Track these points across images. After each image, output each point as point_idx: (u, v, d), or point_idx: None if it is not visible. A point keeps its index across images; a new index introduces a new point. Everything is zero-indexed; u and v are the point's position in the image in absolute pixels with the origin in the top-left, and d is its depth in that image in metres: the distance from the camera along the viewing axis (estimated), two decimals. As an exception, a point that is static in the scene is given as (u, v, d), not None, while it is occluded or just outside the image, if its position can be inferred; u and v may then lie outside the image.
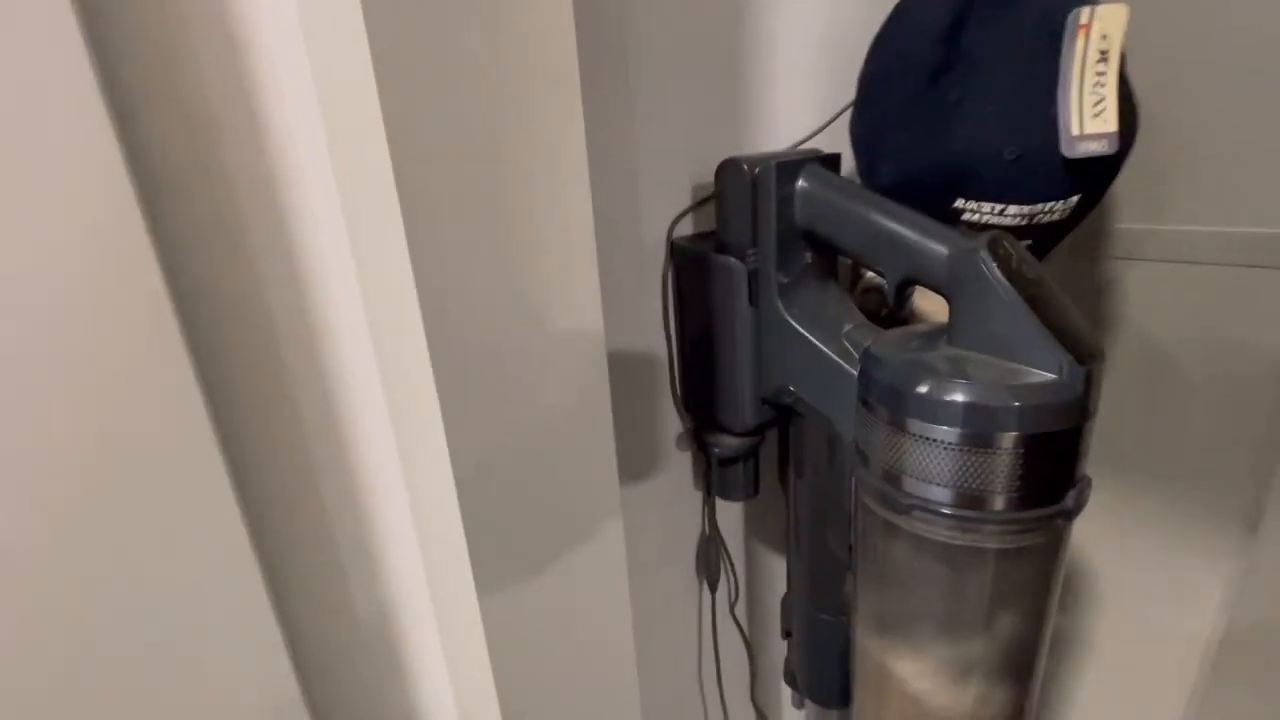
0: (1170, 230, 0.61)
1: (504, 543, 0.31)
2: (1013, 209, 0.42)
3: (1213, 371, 0.65)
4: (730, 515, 0.57)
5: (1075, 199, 0.42)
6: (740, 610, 0.59)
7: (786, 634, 0.53)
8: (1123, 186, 0.63)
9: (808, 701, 0.52)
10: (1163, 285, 0.64)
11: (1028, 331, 0.30)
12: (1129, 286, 0.67)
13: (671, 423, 0.49)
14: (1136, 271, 0.65)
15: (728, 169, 0.40)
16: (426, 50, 0.23)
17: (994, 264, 0.30)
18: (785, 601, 0.52)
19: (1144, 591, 0.80)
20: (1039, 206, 0.42)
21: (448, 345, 0.26)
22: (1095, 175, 0.41)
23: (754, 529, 0.58)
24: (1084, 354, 0.30)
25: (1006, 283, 0.30)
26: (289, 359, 0.30)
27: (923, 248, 0.34)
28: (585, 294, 0.30)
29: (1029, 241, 0.44)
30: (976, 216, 0.43)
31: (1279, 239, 0.55)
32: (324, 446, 0.32)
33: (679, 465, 0.51)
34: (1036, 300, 0.30)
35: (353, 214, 0.26)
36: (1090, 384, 0.30)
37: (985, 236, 0.31)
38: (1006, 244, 0.32)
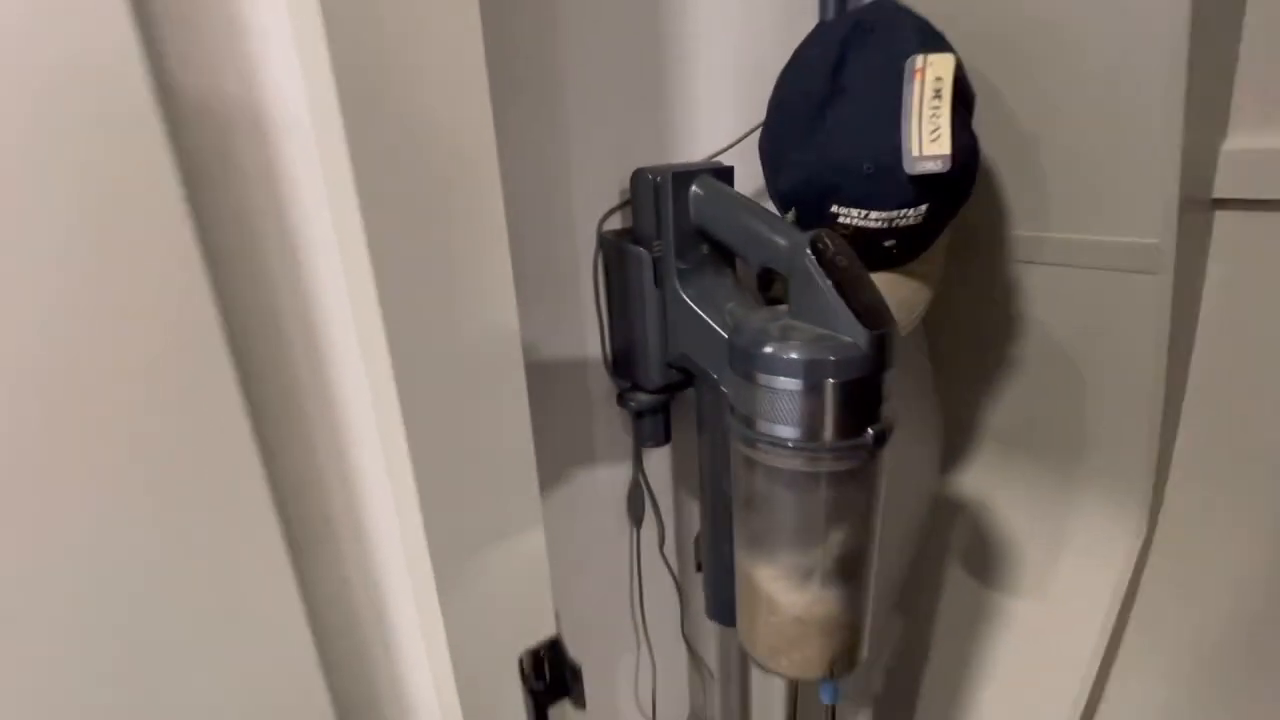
0: (1058, 238, 0.70)
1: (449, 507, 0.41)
2: (874, 214, 0.52)
3: (1101, 362, 0.74)
4: (662, 467, 0.67)
5: (924, 208, 0.51)
6: (671, 551, 0.70)
7: (698, 567, 0.63)
8: (1017, 198, 0.72)
9: (715, 625, 0.62)
10: (1056, 286, 0.73)
11: (835, 307, 0.40)
12: (1029, 286, 0.76)
13: (605, 383, 0.60)
14: (1034, 273, 0.74)
15: (638, 177, 0.50)
16: (379, 94, 0.33)
17: (812, 255, 0.40)
18: (697, 538, 0.62)
19: (1053, 566, 0.89)
20: (894, 213, 0.51)
21: (402, 330, 0.36)
22: (939, 189, 0.51)
23: (682, 478, 0.68)
24: (874, 323, 0.40)
25: (820, 269, 0.40)
26: (299, 364, 0.40)
27: (770, 241, 0.44)
28: (502, 294, 0.40)
29: (893, 241, 0.54)
30: (848, 219, 0.52)
31: (1140, 247, 0.63)
32: (323, 431, 0.42)
33: (613, 420, 0.61)
34: (844, 283, 0.40)
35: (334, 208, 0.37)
36: (880, 345, 0.40)
37: (811, 234, 0.41)
38: (827, 240, 0.41)
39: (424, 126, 0.35)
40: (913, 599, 1.05)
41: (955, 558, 1.01)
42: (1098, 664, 0.84)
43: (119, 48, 0.29)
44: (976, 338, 0.86)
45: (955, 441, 1.00)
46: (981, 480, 0.97)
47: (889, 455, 0.44)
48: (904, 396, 0.95)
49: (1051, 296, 0.75)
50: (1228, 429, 0.73)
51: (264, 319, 0.39)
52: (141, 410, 0.34)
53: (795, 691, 0.78)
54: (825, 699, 0.61)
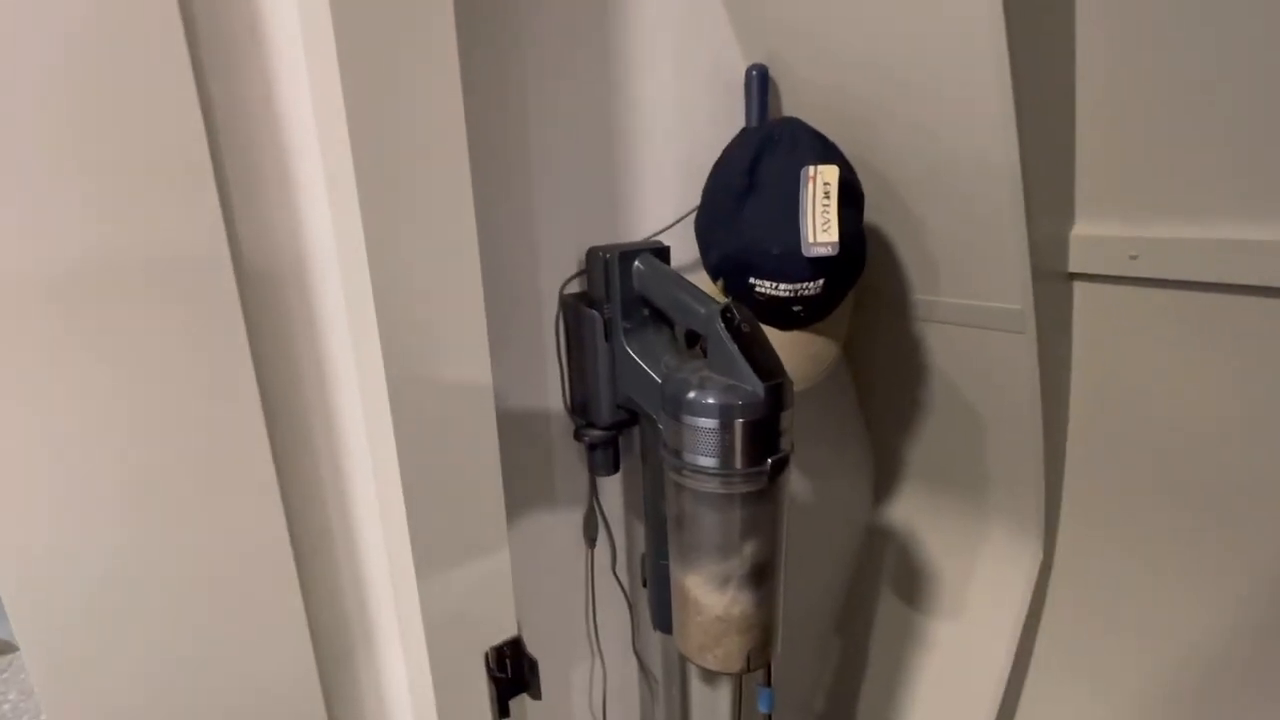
0: (947, 301, 0.83)
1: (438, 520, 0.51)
2: (783, 286, 0.64)
3: (992, 406, 0.87)
4: (614, 497, 0.77)
5: (821, 281, 0.64)
6: (622, 571, 0.79)
7: (644, 582, 0.72)
8: (914, 268, 0.86)
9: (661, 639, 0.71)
10: (951, 341, 0.86)
11: (739, 363, 0.51)
12: (931, 342, 0.89)
13: (564, 421, 0.70)
14: (933, 330, 0.87)
15: (592, 254, 0.62)
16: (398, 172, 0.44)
17: (720, 322, 0.52)
18: (643, 556, 0.72)
19: (969, 588, 1.00)
20: (798, 285, 0.64)
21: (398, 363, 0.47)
22: (832, 268, 0.63)
23: (631, 506, 0.78)
24: (769, 376, 0.51)
25: (728, 334, 0.52)
26: (314, 417, 0.50)
27: (692, 309, 0.55)
28: (477, 353, 0.51)
29: (800, 307, 0.66)
30: (763, 289, 0.65)
31: (1008, 311, 0.77)
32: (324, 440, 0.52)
33: (570, 453, 0.72)
34: (746, 345, 0.52)
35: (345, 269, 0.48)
36: (774, 394, 0.51)
37: (721, 304, 0.53)
38: (734, 310, 0.53)
39: (424, 226, 0.46)
40: (849, 623, 1.15)
41: (886, 584, 1.11)
42: (1008, 673, 0.94)
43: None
44: (894, 385, 0.99)
45: (883, 478, 1.12)
46: (907, 512, 1.09)
47: (789, 480, 0.55)
48: (837, 437, 1.07)
49: (949, 350, 0.88)
50: (1106, 462, 0.85)
51: (286, 376, 0.49)
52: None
53: (739, 706, 0.86)
54: (762, 708, 0.70)
